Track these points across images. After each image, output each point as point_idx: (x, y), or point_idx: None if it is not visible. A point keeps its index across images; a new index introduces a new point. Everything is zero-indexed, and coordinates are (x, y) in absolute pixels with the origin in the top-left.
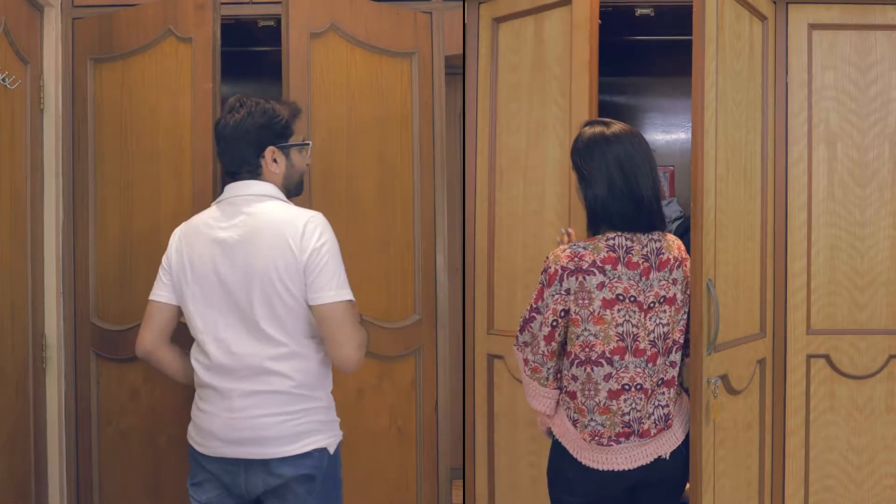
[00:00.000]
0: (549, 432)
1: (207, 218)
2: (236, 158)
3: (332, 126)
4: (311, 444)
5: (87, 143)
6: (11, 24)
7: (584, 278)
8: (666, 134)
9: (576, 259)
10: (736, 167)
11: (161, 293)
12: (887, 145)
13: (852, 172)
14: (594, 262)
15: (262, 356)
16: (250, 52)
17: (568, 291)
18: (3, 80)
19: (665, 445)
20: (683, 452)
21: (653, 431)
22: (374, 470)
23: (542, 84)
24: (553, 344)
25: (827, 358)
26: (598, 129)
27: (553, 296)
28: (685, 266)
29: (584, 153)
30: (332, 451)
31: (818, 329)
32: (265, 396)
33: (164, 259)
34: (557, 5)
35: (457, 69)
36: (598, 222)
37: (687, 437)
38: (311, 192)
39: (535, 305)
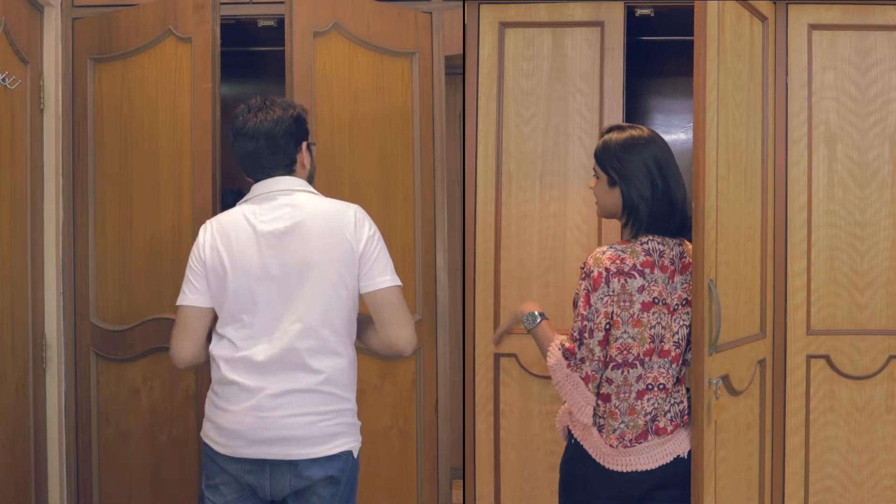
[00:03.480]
0: (566, 433)
1: (245, 213)
2: (278, 154)
3: (334, 125)
4: (340, 445)
5: (87, 142)
6: (11, 24)
7: (626, 281)
8: (666, 134)
9: (618, 261)
10: (737, 167)
11: (194, 297)
12: (887, 145)
13: (852, 173)
14: (634, 265)
15: (306, 351)
16: (250, 52)
17: (613, 292)
18: (3, 80)
19: (683, 444)
20: None
21: (669, 428)
22: (376, 470)
23: (564, 94)
24: (607, 348)
25: (827, 358)
26: (633, 131)
27: (602, 298)
28: None
29: (622, 155)
30: (356, 454)
31: (818, 329)
32: (296, 395)
33: (192, 260)
34: (582, 24)
35: (456, 69)
36: (638, 223)
37: None
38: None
39: (584, 314)
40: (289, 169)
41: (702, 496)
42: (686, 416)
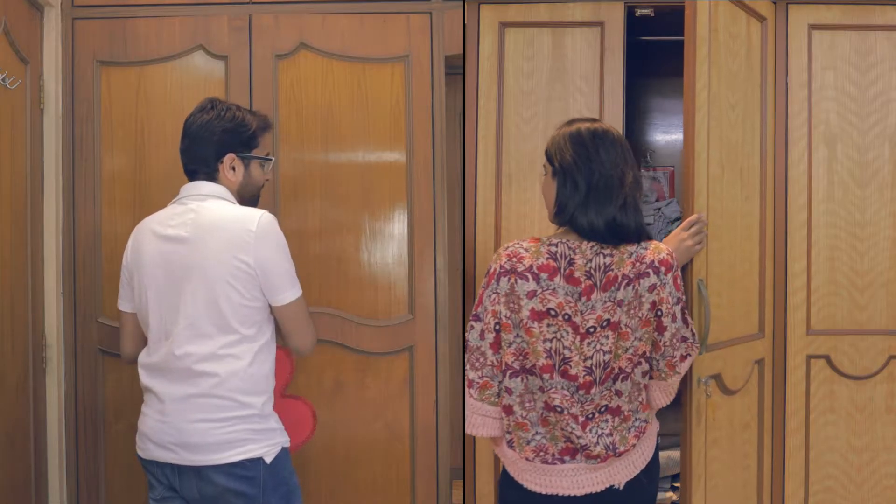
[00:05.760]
0: None
1: (159, 217)
2: (196, 158)
3: (304, 140)
4: (243, 453)
5: (93, 143)
6: (11, 24)
7: (516, 281)
8: (666, 134)
9: (513, 259)
10: (732, 168)
11: (121, 302)
12: (887, 145)
13: (852, 173)
14: (530, 266)
15: (198, 355)
16: None
17: (501, 292)
18: (3, 80)
19: (619, 474)
20: (643, 482)
21: (602, 455)
22: (357, 463)
23: (564, 94)
24: (500, 352)
25: (827, 358)
26: (584, 124)
27: (490, 296)
28: (640, 284)
29: (565, 145)
30: (269, 460)
31: (818, 329)
32: (195, 401)
33: (122, 262)
34: (582, 24)
35: (456, 69)
36: (564, 215)
37: (647, 465)
38: (281, 199)
39: (475, 313)
40: (209, 175)
41: (691, 495)
42: (619, 450)
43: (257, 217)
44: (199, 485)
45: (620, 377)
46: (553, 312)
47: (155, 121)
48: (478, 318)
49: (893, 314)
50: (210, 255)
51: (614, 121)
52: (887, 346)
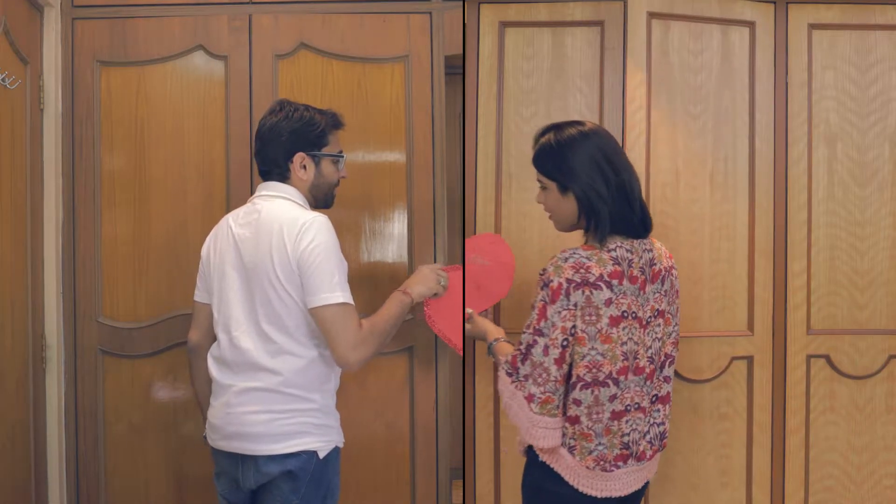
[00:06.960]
0: (527, 450)
1: (236, 214)
2: (267, 159)
3: None
4: (299, 445)
5: (94, 143)
6: (11, 24)
7: (591, 292)
8: None
9: (581, 271)
10: (696, 173)
11: (197, 293)
12: (887, 145)
13: (852, 172)
14: (601, 275)
15: (260, 351)
16: None
17: (576, 306)
18: (3, 80)
19: (654, 469)
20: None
21: (648, 453)
22: (357, 461)
23: (564, 94)
24: (564, 367)
25: (827, 358)
26: (570, 129)
27: (560, 312)
28: (672, 274)
29: (567, 154)
30: (322, 455)
31: (818, 329)
32: (256, 394)
33: (201, 254)
34: (582, 24)
35: (457, 69)
36: (602, 226)
37: None
38: None
39: (536, 327)
40: (281, 176)
41: None
42: (665, 440)
43: (308, 217)
44: (255, 476)
45: (668, 363)
46: (626, 314)
47: (155, 121)
48: (541, 334)
49: (893, 314)
50: (264, 255)
51: (614, 119)
52: (887, 345)
